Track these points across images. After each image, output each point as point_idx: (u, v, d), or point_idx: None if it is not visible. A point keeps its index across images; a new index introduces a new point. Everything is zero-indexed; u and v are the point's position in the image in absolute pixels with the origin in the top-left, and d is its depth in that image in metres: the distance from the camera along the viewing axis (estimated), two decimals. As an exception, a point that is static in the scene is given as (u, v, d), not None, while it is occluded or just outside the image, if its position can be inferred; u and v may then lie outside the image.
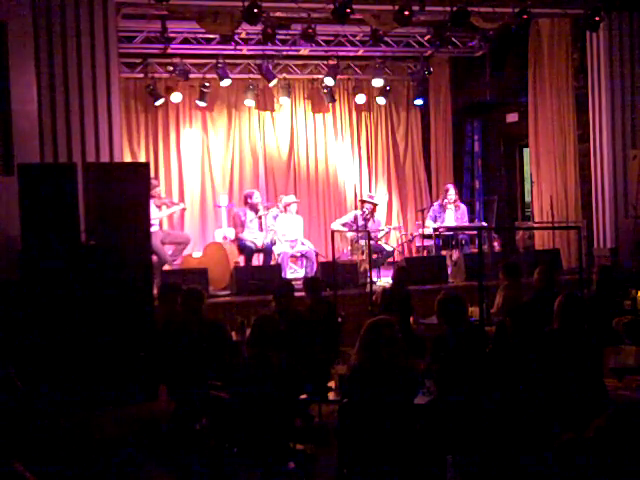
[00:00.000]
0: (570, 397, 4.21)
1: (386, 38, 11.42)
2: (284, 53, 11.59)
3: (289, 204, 10.63)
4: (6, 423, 3.36)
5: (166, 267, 9.61)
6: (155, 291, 6.93)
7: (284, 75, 12.24)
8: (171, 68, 11.41)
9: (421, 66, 12.16)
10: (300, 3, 8.74)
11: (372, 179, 13.13)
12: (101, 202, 6.43)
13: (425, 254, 10.98)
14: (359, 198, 11.44)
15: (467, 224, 10.90)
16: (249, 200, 10.30)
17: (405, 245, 11.96)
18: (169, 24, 10.28)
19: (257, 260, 10.36)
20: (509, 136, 12.93)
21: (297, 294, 6.97)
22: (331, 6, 8.42)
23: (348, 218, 11.09)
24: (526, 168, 12.29)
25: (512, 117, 12.70)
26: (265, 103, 12.46)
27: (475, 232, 10.37)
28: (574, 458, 2.68)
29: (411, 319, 7.12)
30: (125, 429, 5.65)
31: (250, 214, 10.20)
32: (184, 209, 11.15)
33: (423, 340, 6.20)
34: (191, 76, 11.66)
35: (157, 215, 9.94)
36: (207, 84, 11.63)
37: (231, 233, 10.43)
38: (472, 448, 4.03)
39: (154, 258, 9.51)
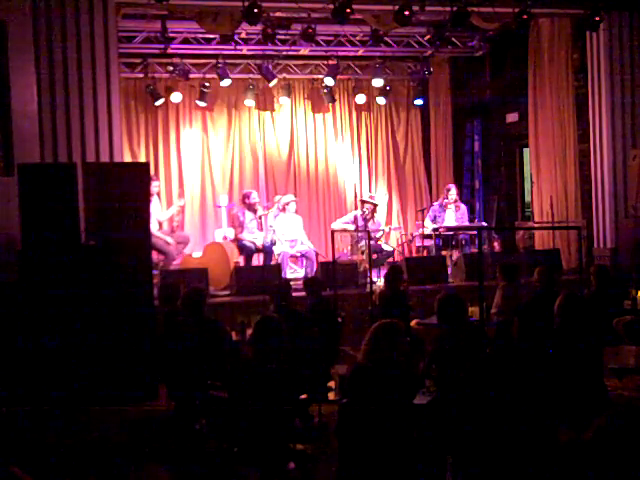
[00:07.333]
0: (570, 397, 4.21)
1: (386, 38, 11.42)
2: (284, 53, 11.58)
3: (287, 203, 10.61)
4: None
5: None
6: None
7: (284, 75, 12.23)
8: (171, 68, 11.41)
9: (421, 66, 12.17)
10: (300, 3, 8.73)
11: (372, 179, 13.12)
12: (101, 202, 6.44)
13: (425, 254, 10.97)
14: (359, 198, 11.43)
15: (467, 224, 10.90)
16: (247, 200, 10.28)
17: (405, 245, 11.95)
18: (169, 24, 10.29)
19: (257, 260, 10.36)
20: (509, 136, 12.91)
21: (297, 294, 6.97)
22: (331, 6, 8.42)
23: (348, 218, 11.06)
24: (526, 168, 12.27)
25: (512, 117, 12.68)
26: (265, 103, 12.45)
27: (475, 232, 10.37)
28: (574, 458, 2.68)
29: (413, 322, 7.05)
30: (125, 429, 5.65)
31: (249, 214, 10.18)
32: (183, 206, 11.05)
33: (423, 340, 6.19)
34: (191, 76, 11.66)
35: (160, 217, 9.91)
36: (207, 84, 11.63)
37: (231, 233, 10.42)
38: (472, 449, 4.02)
39: (160, 257, 9.51)
